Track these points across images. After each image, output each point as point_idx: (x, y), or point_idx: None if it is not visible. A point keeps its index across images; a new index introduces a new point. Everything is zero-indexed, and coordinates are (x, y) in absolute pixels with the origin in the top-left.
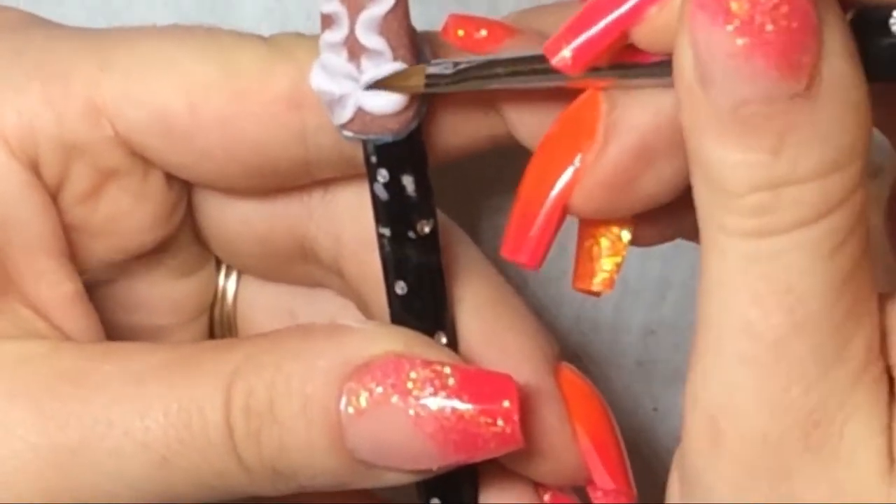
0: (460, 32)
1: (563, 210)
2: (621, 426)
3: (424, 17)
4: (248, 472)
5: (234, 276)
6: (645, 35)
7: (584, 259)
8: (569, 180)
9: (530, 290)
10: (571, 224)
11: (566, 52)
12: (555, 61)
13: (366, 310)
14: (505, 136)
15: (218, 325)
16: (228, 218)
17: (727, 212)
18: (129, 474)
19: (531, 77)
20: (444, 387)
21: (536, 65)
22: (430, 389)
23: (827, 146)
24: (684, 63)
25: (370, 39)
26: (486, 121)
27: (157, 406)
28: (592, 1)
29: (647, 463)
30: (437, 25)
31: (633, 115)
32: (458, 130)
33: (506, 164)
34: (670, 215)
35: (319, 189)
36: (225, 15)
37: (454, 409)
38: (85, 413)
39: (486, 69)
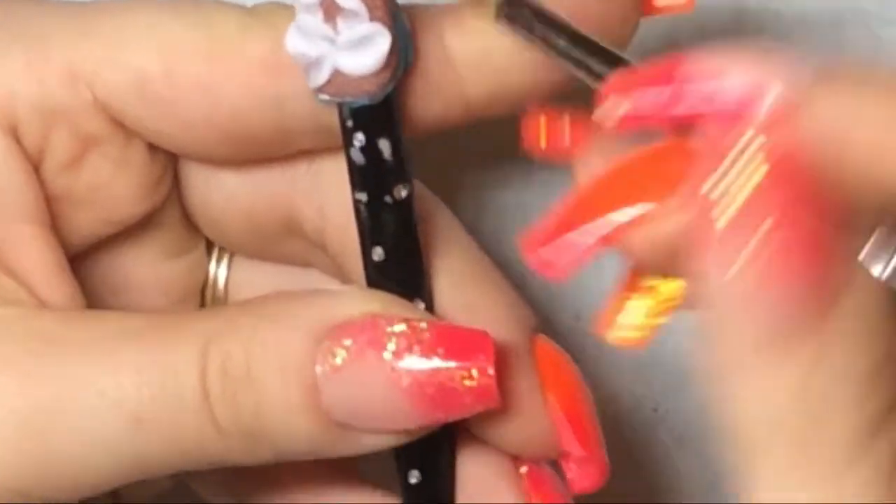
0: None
1: (609, 243)
2: (621, 426)
3: None
4: (224, 436)
5: (225, 261)
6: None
7: (614, 308)
8: (630, 221)
9: (529, 288)
10: None
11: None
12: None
13: (347, 282)
14: (479, 110)
15: None
16: (214, 193)
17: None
18: (102, 435)
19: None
20: (420, 342)
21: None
22: (405, 344)
23: (863, 357)
24: (709, 300)
25: (347, 0)
26: (461, 97)
27: (132, 366)
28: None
29: (646, 464)
30: None
31: None
32: (432, 100)
33: (484, 136)
34: None
35: (304, 161)
36: None
37: (430, 364)
38: (59, 372)
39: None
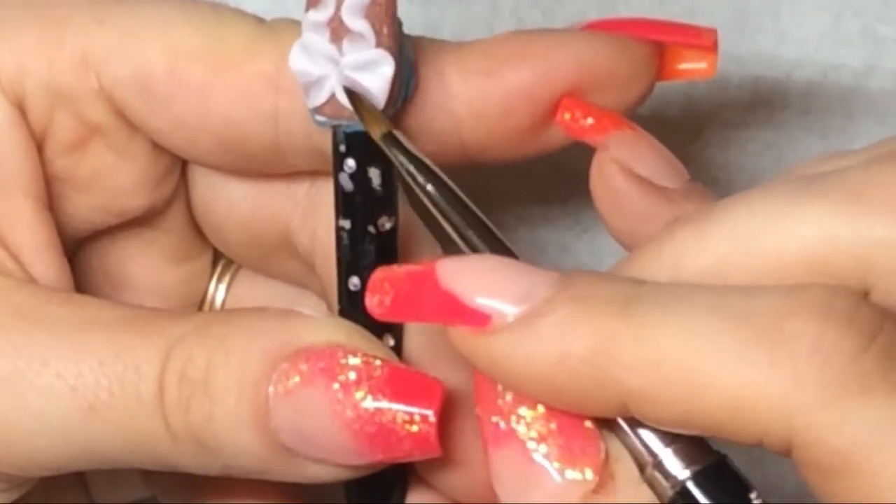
0: (566, 116)
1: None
2: None
3: (425, 18)
4: (173, 439)
5: (225, 283)
6: None
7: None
8: None
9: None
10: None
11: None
12: (368, 303)
13: (331, 310)
14: (476, 153)
15: None
16: (217, 199)
17: None
18: (54, 417)
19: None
20: (370, 378)
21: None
22: (356, 379)
23: None
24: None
25: (355, 22)
26: (457, 136)
27: (96, 355)
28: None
29: None
30: (437, 26)
31: None
32: (428, 136)
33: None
34: None
35: (306, 182)
36: None
37: (375, 402)
38: (24, 346)
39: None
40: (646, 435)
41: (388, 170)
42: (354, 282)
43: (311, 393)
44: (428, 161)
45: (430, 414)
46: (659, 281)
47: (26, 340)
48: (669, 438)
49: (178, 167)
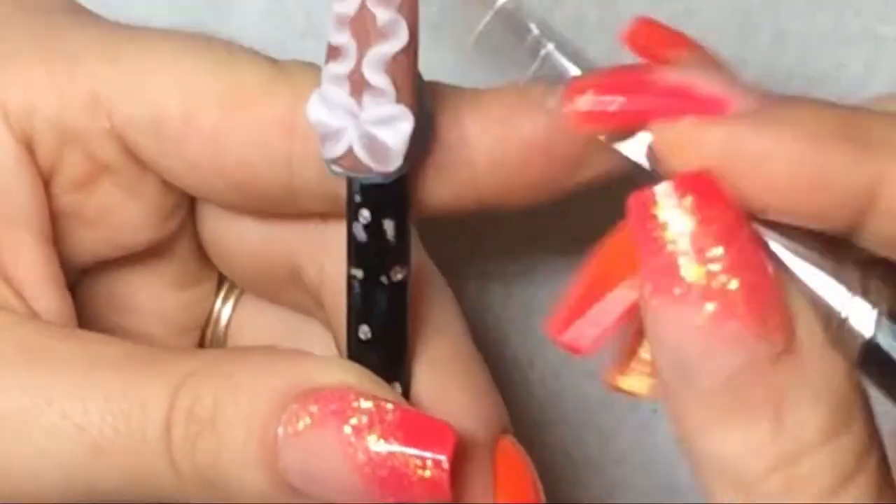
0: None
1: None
2: (621, 428)
3: (425, 19)
4: (180, 477)
5: (230, 303)
6: None
7: (626, 358)
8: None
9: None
10: None
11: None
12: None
13: (340, 344)
14: (492, 200)
15: (207, 347)
16: (226, 230)
17: (752, 501)
18: (58, 456)
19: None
20: (382, 422)
21: None
22: (367, 422)
23: (826, 405)
24: (659, 358)
25: (376, 77)
26: (473, 184)
27: (102, 393)
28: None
29: (645, 466)
30: (437, 26)
31: None
32: (444, 185)
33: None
34: None
35: (316, 218)
36: (225, 15)
37: (387, 446)
38: (28, 385)
39: None
40: (831, 288)
41: (402, 220)
42: (364, 330)
43: (322, 435)
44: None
45: (444, 459)
46: None
47: (31, 378)
48: (856, 288)
49: (186, 201)
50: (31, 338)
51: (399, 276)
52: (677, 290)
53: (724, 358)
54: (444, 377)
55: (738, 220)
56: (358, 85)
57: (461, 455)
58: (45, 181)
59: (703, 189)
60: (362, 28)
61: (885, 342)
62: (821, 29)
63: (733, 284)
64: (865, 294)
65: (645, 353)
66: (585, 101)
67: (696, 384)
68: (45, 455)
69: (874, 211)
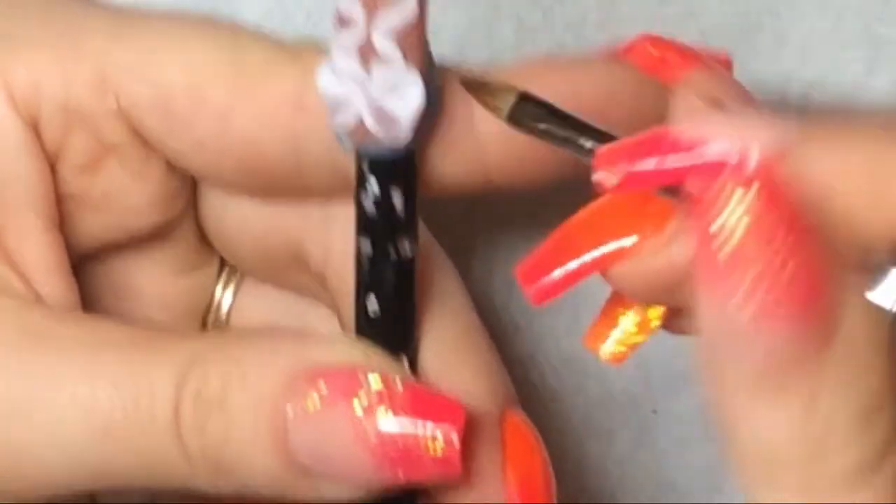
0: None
1: (592, 271)
2: (620, 429)
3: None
4: (189, 461)
5: (231, 287)
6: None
7: (606, 322)
8: (615, 251)
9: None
10: None
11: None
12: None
13: (344, 326)
14: (500, 179)
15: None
16: (229, 213)
17: (776, 487)
18: (66, 440)
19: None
20: (393, 400)
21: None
22: (377, 400)
23: (858, 399)
24: (706, 333)
25: (385, 46)
26: (481, 161)
27: (110, 377)
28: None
29: (645, 466)
30: (437, 25)
31: None
32: (452, 162)
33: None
34: None
35: (319, 199)
36: (225, 15)
37: (398, 424)
38: (36, 369)
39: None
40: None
41: (410, 193)
42: (372, 304)
43: (332, 414)
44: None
45: (455, 436)
46: None
47: (39, 363)
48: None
49: (189, 184)
50: (38, 322)
51: (407, 250)
52: (729, 275)
53: (767, 343)
54: (451, 352)
55: (795, 211)
56: (367, 54)
57: (470, 430)
58: (52, 164)
59: (762, 180)
60: None
61: None
62: (821, 29)
63: (784, 274)
64: None
65: (624, 319)
66: (618, 172)
67: (739, 363)
68: (53, 440)
69: None
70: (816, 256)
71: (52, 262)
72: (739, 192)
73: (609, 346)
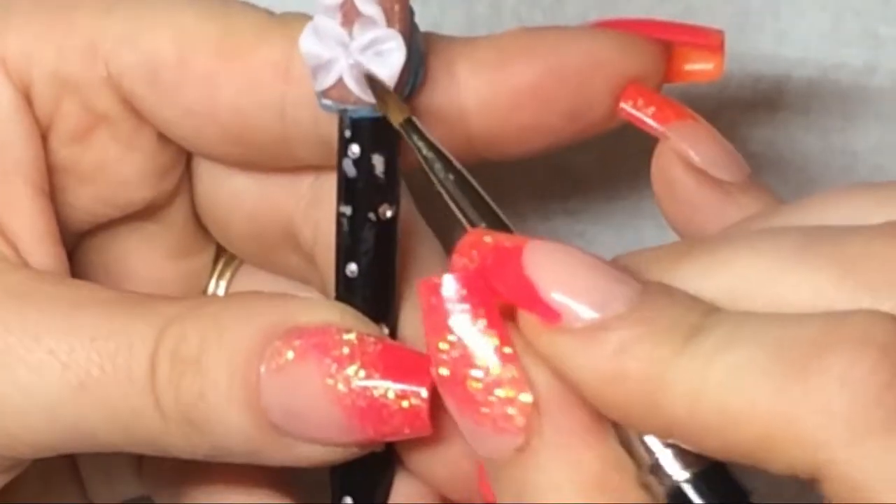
0: (628, 104)
1: None
2: None
3: (425, 18)
4: (163, 418)
5: (225, 279)
6: None
7: None
8: None
9: None
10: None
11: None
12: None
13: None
14: (482, 147)
15: None
16: (220, 191)
17: None
18: (44, 394)
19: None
20: (364, 354)
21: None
22: (348, 355)
23: (569, 492)
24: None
25: (367, 6)
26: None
27: (88, 332)
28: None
29: None
30: (437, 25)
31: None
32: (434, 128)
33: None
34: None
35: (310, 175)
36: None
37: (367, 379)
38: (16, 324)
39: (444, 168)
40: (646, 438)
41: (391, 157)
42: (352, 268)
43: (303, 368)
44: (445, 150)
45: (423, 391)
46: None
47: (18, 317)
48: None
49: (182, 160)
50: (21, 282)
51: (388, 214)
52: (438, 381)
53: (473, 443)
54: None
55: (489, 324)
56: (349, 15)
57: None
58: (43, 133)
59: (470, 286)
60: None
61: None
62: (821, 29)
63: (475, 384)
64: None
65: None
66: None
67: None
68: (30, 393)
69: None
70: (504, 366)
71: (40, 231)
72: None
73: None
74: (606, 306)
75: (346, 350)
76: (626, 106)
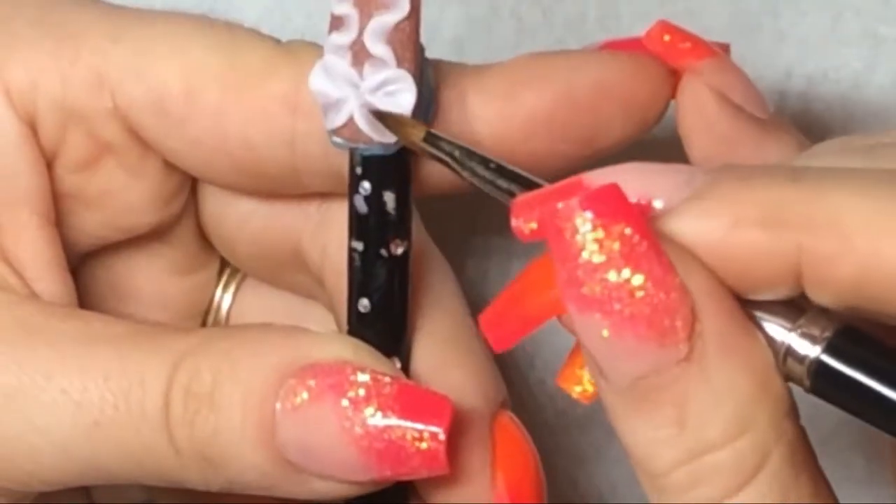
0: (666, 37)
1: (546, 318)
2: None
3: (426, 17)
4: (178, 455)
5: (231, 289)
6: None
7: (575, 363)
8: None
9: None
10: None
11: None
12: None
13: (340, 325)
14: None
15: None
16: (228, 212)
17: (660, 492)
18: (57, 432)
19: (505, 194)
20: (379, 395)
21: (517, 186)
22: (365, 395)
23: (728, 408)
24: (584, 356)
25: (377, 47)
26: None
27: (100, 369)
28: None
29: None
30: (437, 25)
31: None
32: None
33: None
34: None
35: (318, 198)
36: (224, 15)
37: (384, 419)
38: (28, 362)
39: (479, 162)
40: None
41: (403, 194)
42: (364, 303)
43: (320, 409)
44: (474, 148)
45: (440, 431)
46: None
47: (31, 355)
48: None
49: (188, 184)
50: (32, 316)
51: (399, 250)
52: (582, 302)
53: (626, 365)
54: (444, 352)
55: (641, 234)
56: (359, 55)
57: (459, 428)
58: (48, 162)
59: (606, 203)
60: None
61: (832, 360)
62: (821, 29)
63: (634, 298)
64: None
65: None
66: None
67: (610, 384)
68: (44, 432)
69: (804, 282)
70: (666, 277)
71: (47, 259)
72: (581, 218)
73: (580, 387)
74: (691, 182)
75: (361, 391)
76: (664, 39)
